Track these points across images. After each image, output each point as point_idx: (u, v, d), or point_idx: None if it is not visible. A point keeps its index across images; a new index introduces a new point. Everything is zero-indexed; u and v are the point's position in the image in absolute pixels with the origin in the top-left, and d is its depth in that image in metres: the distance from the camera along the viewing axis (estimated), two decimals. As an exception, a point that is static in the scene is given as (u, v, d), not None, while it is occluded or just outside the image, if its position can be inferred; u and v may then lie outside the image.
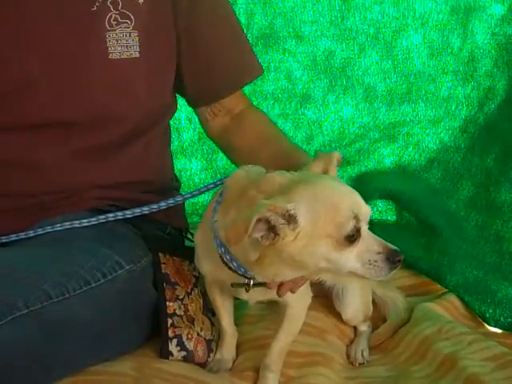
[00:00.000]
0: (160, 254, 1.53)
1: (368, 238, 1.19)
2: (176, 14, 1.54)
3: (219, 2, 1.65)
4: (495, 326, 1.87)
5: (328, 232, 1.15)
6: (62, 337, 1.23)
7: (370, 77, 2.39)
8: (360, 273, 1.19)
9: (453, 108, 2.41)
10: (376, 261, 1.17)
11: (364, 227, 1.19)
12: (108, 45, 1.46)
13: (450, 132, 2.42)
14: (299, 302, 1.46)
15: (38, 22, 1.45)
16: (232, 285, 1.36)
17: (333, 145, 2.42)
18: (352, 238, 1.16)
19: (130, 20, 1.48)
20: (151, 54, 1.51)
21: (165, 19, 1.53)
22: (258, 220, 1.12)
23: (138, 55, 1.48)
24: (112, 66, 1.47)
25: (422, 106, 2.42)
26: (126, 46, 1.47)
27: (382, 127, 2.43)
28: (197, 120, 2.32)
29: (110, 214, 1.47)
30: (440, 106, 2.41)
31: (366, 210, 1.21)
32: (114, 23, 1.46)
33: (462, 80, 2.40)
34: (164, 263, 1.53)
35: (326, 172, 1.28)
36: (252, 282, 1.32)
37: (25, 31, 1.44)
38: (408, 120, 2.42)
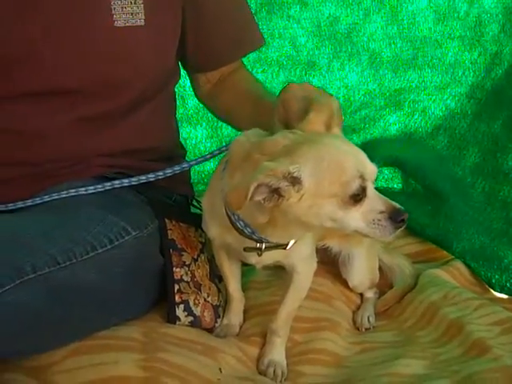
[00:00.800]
0: (166, 220, 1.54)
1: (373, 197, 1.17)
2: None
3: None
4: (501, 292, 1.87)
5: (333, 191, 1.15)
6: (69, 301, 1.24)
7: (375, 43, 2.37)
8: (365, 232, 1.18)
9: (459, 74, 2.39)
10: (379, 220, 1.16)
11: (370, 186, 1.17)
12: (113, 12, 1.44)
13: (457, 98, 2.40)
14: (306, 267, 1.46)
15: None
16: (244, 249, 1.35)
17: (338, 112, 2.39)
18: (357, 197, 1.15)
19: None
20: (156, 21, 1.49)
21: None
22: (258, 185, 1.12)
23: (143, 23, 1.47)
24: (117, 33, 1.45)
25: (428, 71, 2.40)
26: (132, 14, 1.45)
27: (387, 94, 2.41)
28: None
29: (116, 181, 1.47)
30: (446, 71, 2.40)
31: (371, 169, 1.19)
32: None
33: (468, 45, 2.38)
34: (170, 229, 1.53)
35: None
36: (264, 246, 1.32)
37: None
38: (414, 86, 2.41)
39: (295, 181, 1.14)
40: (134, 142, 1.57)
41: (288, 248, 1.34)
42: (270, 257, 1.39)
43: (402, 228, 1.18)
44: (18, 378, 1.20)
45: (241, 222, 1.28)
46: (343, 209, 1.15)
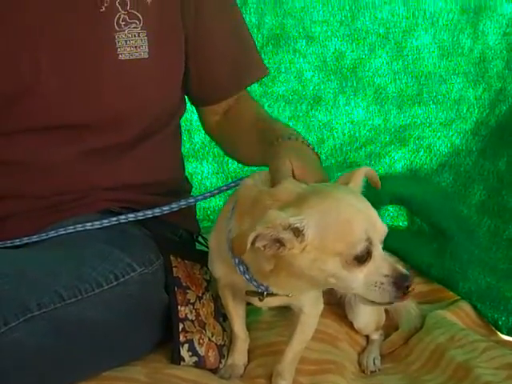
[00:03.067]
0: (172, 257, 1.52)
1: (379, 259, 1.14)
2: (184, 14, 1.53)
3: (227, 7, 1.65)
4: (508, 334, 1.84)
5: (338, 250, 1.13)
6: (74, 338, 1.23)
7: (381, 78, 2.37)
8: (365, 295, 1.15)
9: (464, 110, 2.39)
10: (382, 283, 1.13)
11: (377, 248, 1.15)
12: (117, 45, 1.45)
13: (462, 135, 2.39)
14: (312, 309, 1.44)
15: (48, 23, 1.43)
16: (246, 292, 1.34)
17: (344, 148, 2.40)
18: (362, 258, 1.12)
19: (139, 20, 1.46)
20: (160, 54, 1.50)
21: (174, 19, 1.52)
22: (258, 234, 1.11)
23: (147, 56, 1.47)
24: (121, 67, 1.46)
25: (433, 107, 2.39)
26: (135, 47, 1.46)
27: (392, 130, 2.41)
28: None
29: (122, 216, 1.46)
30: (451, 108, 2.39)
31: (381, 230, 1.17)
32: (122, 24, 1.45)
33: (473, 81, 2.38)
34: (175, 266, 1.52)
35: (347, 183, 1.25)
36: (266, 292, 1.30)
37: (34, 32, 1.43)
38: (419, 122, 2.40)
39: (298, 232, 1.12)
40: (139, 176, 1.56)
41: (291, 295, 1.32)
42: (276, 299, 1.36)
43: (406, 299, 1.16)
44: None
45: (241, 267, 1.27)
46: (347, 268, 1.13)
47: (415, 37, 2.40)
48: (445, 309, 1.87)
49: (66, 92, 1.44)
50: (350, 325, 1.74)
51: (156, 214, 1.48)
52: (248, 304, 1.61)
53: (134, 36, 1.46)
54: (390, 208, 2.34)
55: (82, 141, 1.48)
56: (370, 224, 1.14)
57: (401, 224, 2.33)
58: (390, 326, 1.82)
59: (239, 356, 1.56)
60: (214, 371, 1.50)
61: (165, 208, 1.48)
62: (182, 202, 1.50)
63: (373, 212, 1.17)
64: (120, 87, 1.47)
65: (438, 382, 1.56)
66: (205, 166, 2.37)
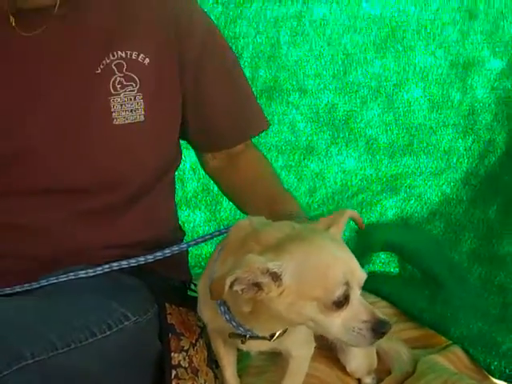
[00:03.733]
0: (166, 304, 1.52)
1: (357, 305, 1.15)
2: (182, 74, 1.52)
3: (226, 63, 1.64)
4: (500, 379, 1.85)
5: (315, 295, 1.13)
6: None
7: (372, 129, 2.42)
8: (343, 339, 1.15)
9: (454, 160, 2.44)
10: (360, 329, 1.13)
11: (355, 293, 1.15)
12: (112, 110, 1.42)
13: (452, 184, 2.43)
14: (301, 352, 1.43)
15: (40, 86, 1.42)
16: (229, 335, 1.35)
17: (335, 197, 2.43)
18: (340, 303, 1.13)
19: (135, 83, 1.44)
20: (156, 116, 1.48)
21: (171, 80, 1.51)
22: (236, 278, 1.12)
23: (142, 119, 1.45)
24: (116, 132, 1.43)
25: (424, 158, 2.44)
26: (131, 111, 1.43)
27: (384, 179, 2.45)
28: (201, 170, 2.35)
29: (115, 263, 1.46)
30: (441, 158, 2.44)
31: (360, 276, 1.17)
32: (118, 86, 1.43)
33: (462, 133, 2.43)
34: (170, 313, 1.52)
35: (330, 225, 1.26)
36: (248, 335, 1.32)
37: (26, 94, 1.42)
38: (410, 172, 2.44)
39: (276, 277, 1.14)
40: (136, 234, 1.54)
41: (273, 340, 1.32)
42: (262, 344, 1.37)
43: (381, 338, 1.15)
44: None
45: (222, 308, 1.28)
46: (325, 313, 1.14)
47: (406, 90, 2.46)
48: (437, 353, 1.88)
49: (57, 157, 1.42)
50: (342, 368, 1.74)
51: (149, 261, 1.47)
52: (239, 350, 1.63)
53: (130, 100, 1.43)
54: (382, 255, 2.36)
55: (79, 202, 1.47)
56: (348, 269, 1.15)
57: (392, 270, 2.35)
58: (382, 371, 1.82)
59: (231, 403, 1.56)
60: (207, 418, 1.50)
61: (157, 254, 1.47)
62: (175, 248, 1.49)
63: (351, 257, 1.18)
64: (114, 151, 1.45)
65: (431, 426, 1.57)
66: (197, 214, 2.40)
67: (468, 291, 2.15)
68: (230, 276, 1.12)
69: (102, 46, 1.44)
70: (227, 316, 1.29)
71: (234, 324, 1.29)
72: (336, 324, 1.14)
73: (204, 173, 2.32)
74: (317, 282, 1.14)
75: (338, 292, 1.12)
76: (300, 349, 1.43)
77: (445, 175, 2.44)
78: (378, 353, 1.83)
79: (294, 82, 2.41)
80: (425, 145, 2.43)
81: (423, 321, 2.05)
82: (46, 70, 1.43)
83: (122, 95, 1.42)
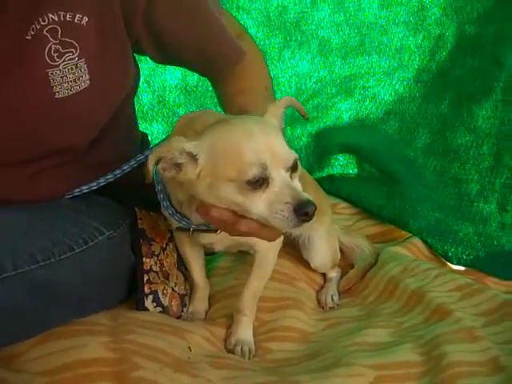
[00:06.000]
0: (136, 210, 1.54)
1: (280, 187, 1.14)
2: (131, 22, 1.33)
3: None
4: (458, 264, 1.93)
5: (228, 175, 1.14)
6: (46, 298, 1.24)
7: (324, 30, 2.40)
8: (268, 221, 1.15)
9: (406, 58, 2.44)
10: (283, 210, 1.12)
11: (276, 174, 1.14)
12: (52, 84, 1.26)
13: (405, 82, 2.45)
14: (266, 245, 1.40)
15: None
16: (176, 229, 1.39)
17: (291, 102, 2.42)
18: (256, 184, 1.13)
19: (75, 48, 1.27)
20: (103, 74, 1.33)
21: (115, 32, 1.33)
22: (159, 158, 1.16)
23: (88, 83, 1.30)
24: (60, 105, 1.29)
25: (376, 57, 2.44)
26: (74, 80, 1.28)
27: (338, 81, 2.45)
28: (156, 83, 2.33)
29: (84, 187, 1.45)
30: (393, 57, 2.44)
31: (283, 157, 1.15)
32: (55, 56, 1.25)
33: (413, 30, 2.42)
34: (140, 218, 1.54)
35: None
36: (192, 228, 1.35)
37: None
38: (363, 72, 2.45)
39: (192, 157, 1.16)
40: (103, 168, 1.47)
41: (218, 233, 1.33)
42: (223, 239, 1.38)
43: (308, 222, 1.13)
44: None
45: (164, 203, 1.33)
46: (243, 194, 1.14)
47: (355, -12, 2.43)
48: (397, 245, 1.95)
49: (5, 133, 1.30)
50: (306, 265, 1.80)
51: (117, 176, 1.44)
52: (208, 254, 1.65)
53: (72, 69, 1.27)
54: (340, 157, 2.40)
55: (28, 169, 1.37)
56: (266, 150, 1.14)
57: (351, 171, 2.39)
58: (346, 265, 1.89)
59: (200, 303, 1.60)
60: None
61: (116, 172, 1.45)
62: (132, 162, 1.44)
63: (274, 140, 1.16)
64: (61, 124, 1.32)
65: (393, 309, 1.64)
66: (154, 126, 2.36)
67: (424, 185, 2.21)
68: (152, 154, 1.16)
69: (27, 7, 1.23)
70: (170, 211, 1.33)
71: (177, 218, 1.33)
72: (257, 206, 1.14)
73: (159, 85, 2.31)
74: (229, 162, 1.14)
75: (251, 172, 1.12)
76: (262, 241, 1.38)
77: (397, 74, 2.45)
78: (340, 249, 1.88)
79: (243, -14, 2.36)
80: (376, 44, 2.43)
81: (383, 217, 2.12)
82: None
83: (61, 66, 1.25)
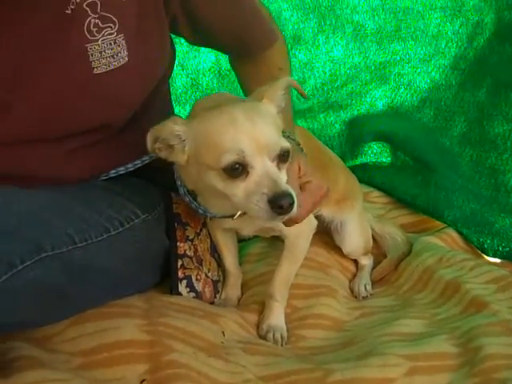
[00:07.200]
0: (172, 194, 1.53)
1: (261, 176, 1.12)
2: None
3: None
4: (494, 257, 1.90)
5: (207, 162, 1.13)
6: (83, 279, 1.24)
7: (359, 15, 2.36)
8: (246, 209, 1.15)
9: (442, 45, 2.39)
10: (258, 201, 1.10)
11: (257, 163, 1.12)
12: (91, 59, 1.26)
13: (441, 70, 2.40)
14: (295, 229, 1.36)
15: (12, 23, 1.24)
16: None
17: (325, 88, 2.40)
18: (234, 172, 1.11)
19: (114, 23, 1.26)
20: (141, 50, 1.32)
21: (154, 9, 1.33)
22: (155, 137, 1.18)
23: (126, 59, 1.30)
24: (98, 81, 1.28)
25: (412, 43, 2.39)
26: (112, 56, 1.28)
27: (372, 68, 2.41)
28: (190, 66, 2.31)
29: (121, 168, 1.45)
30: (429, 43, 2.39)
31: (266, 145, 1.12)
32: (94, 30, 1.25)
33: (450, 16, 2.37)
34: (176, 203, 1.53)
35: (263, 97, 1.22)
36: (209, 216, 1.37)
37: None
38: (398, 59, 2.40)
39: (182, 141, 1.17)
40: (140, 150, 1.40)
41: (234, 218, 1.32)
42: (251, 225, 1.39)
43: (285, 217, 1.11)
44: (23, 346, 1.19)
45: (181, 189, 1.34)
46: (224, 181, 1.13)
47: (392, -28, 2.38)
48: (432, 235, 1.92)
49: (35, 111, 1.29)
50: (340, 252, 1.78)
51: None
52: (240, 241, 1.64)
53: (110, 44, 1.27)
54: (374, 145, 2.36)
55: (67, 145, 1.36)
56: (247, 137, 1.11)
57: (384, 160, 2.36)
58: (379, 254, 1.87)
59: (232, 290, 1.59)
60: (209, 305, 1.52)
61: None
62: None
63: (258, 127, 1.13)
64: (99, 100, 1.31)
65: (428, 299, 1.62)
66: (188, 110, 2.34)
67: (460, 175, 2.17)
68: (150, 132, 1.17)
69: None
70: (187, 198, 1.33)
71: (194, 206, 1.34)
72: (237, 194, 1.13)
73: (192, 68, 2.30)
74: (207, 149, 1.13)
75: (225, 160, 1.10)
76: (296, 227, 1.35)
77: (433, 61, 2.40)
78: (372, 237, 1.86)
79: (279, -30, 2.33)
80: (412, 30, 2.38)
81: (417, 206, 2.08)
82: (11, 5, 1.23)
83: (100, 41, 1.25)
